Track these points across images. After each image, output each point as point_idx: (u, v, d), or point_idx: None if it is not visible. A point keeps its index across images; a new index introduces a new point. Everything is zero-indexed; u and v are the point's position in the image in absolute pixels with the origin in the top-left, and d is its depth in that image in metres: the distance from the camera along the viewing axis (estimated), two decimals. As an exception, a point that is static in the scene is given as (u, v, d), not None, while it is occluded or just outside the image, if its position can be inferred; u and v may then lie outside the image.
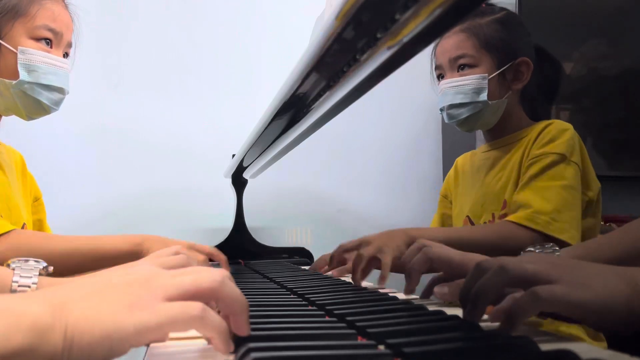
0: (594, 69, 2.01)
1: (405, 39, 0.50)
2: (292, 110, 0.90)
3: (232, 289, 0.45)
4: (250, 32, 2.00)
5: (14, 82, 1.06)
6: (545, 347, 0.46)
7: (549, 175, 1.09)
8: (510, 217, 1.08)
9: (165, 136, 1.92)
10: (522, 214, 1.07)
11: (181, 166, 1.92)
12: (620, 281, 0.50)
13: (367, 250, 0.97)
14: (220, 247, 1.60)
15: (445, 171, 1.98)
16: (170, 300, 0.42)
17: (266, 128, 1.00)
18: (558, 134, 1.12)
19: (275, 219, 1.88)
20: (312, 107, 0.83)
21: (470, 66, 1.17)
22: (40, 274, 0.67)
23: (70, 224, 1.33)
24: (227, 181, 1.70)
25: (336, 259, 1.08)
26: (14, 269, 0.66)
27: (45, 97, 1.09)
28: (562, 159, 1.09)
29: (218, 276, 0.45)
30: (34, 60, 1.06)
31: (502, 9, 1.22)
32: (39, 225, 1.25)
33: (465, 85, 1.16)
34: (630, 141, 2.01)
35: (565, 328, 1.06)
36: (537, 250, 0.75)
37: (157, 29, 1.94)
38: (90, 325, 0.38)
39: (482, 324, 0.55)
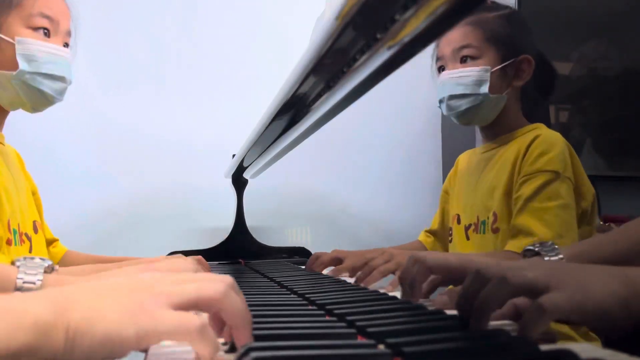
0: (594, 69, 2.01)
1: (405, 39, 0.50)
2: (292, 111, 0.90)
3: (235, 301, 0.45)
4: (250, 32, 2.00)
5: (13, 72, 1.05)
6: (545, 347, 0.46)
7: (545, 196, 1.07)
8: (512, 247, 1.06)
9: (165, 136, 1.91)
10: (524, 244, 1.01)
11: (181, 166, 1.92)
12: (616, 282, 0.51)
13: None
14: (220, 247, 1.61)
15: (445, 171, 1.98)
16: (172, 307, 0.42)
17: (266, 128, 1.00)
18: (548, 147, 1.10)
19: (275, 219, 1.88)
20: (312, 107, 0.83)
21: (473, 58, 1.17)
22: (45, 272, 0.66)
23: (69, 224, 1.33)
24: (227, 181, 1.70)
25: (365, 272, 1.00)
26: (18, 267, 0.66)
27: (47, 86, 1.08)
28: (556, 176, 1.07)
29: (221, 287, 0.44)
30: (33, 50, 1.05)
31: (507, 7, 1.24)
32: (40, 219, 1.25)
33: (467, 77, 1.16)
34: (630, 141, 2.01)
35: (559, 327, 1.05)
36: (536, 248, 0.75)
37: (157, 28, 1.94)
38: (92, 327, 0.39)
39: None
